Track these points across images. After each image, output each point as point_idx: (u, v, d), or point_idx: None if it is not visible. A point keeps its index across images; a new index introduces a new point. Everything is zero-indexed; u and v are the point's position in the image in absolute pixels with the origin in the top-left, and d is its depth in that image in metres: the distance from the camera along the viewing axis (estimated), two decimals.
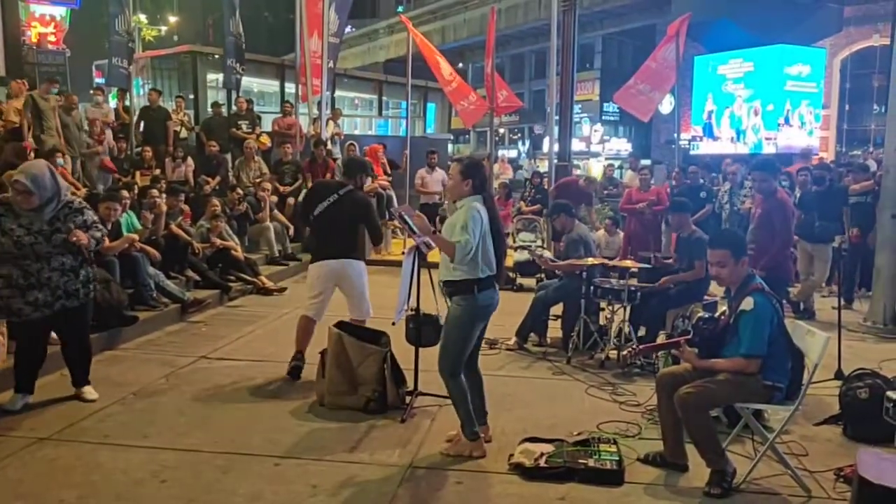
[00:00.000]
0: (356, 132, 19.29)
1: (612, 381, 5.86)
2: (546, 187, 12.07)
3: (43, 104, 10.93)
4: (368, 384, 5.11)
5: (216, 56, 16.44)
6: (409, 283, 5.13)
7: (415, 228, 5.11)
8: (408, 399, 5.12)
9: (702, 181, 10.73)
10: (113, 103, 13.98)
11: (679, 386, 3.96)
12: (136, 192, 9.07)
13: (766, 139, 23.32)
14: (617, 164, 20.28)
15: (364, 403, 5.07)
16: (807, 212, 8.59)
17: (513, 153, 42.30)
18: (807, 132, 24.01)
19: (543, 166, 20.85)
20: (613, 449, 4.26)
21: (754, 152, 22.39)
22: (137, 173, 10.95)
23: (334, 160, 12.11)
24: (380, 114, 21.83)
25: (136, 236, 7.49)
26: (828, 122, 27.70)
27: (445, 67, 13.23)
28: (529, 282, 9.62)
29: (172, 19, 42.66)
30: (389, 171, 12.91)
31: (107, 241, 6.97)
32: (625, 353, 6.18)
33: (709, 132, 24.85)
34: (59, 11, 21.54)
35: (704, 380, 3.92)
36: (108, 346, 6.53)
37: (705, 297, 6.46)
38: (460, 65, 43.81)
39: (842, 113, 29.10)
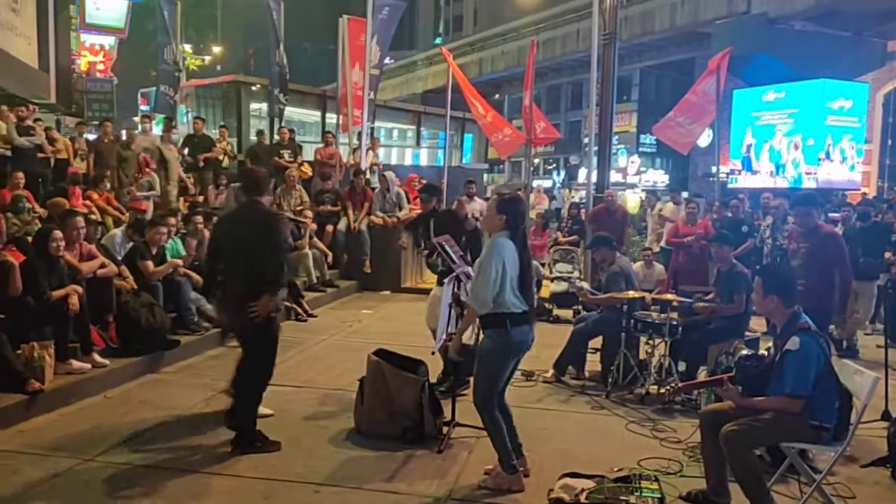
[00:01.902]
0: (392, 162, 19.49)
1: (653, 416, 5.78)
2: (583, 218, 12.06)
3: (168, 154, 11.26)
4: (406, 413, 5.11)
5: (259, 86, 16.80)
6: (448, 313, 5.15)
7: (455, 258, 5.16)
8: (445, 429, 5.11)
9: (742, 215, 10.63)
10: (157, 130, 14.32)
11: (723, 423, 3.91)
12: (179, 218, 9.24)
13: (807, 174, 23.04)
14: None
15: (401, 432, 5.07)
16: (851, 248, 8.44)
17: (547, 183, 42.31)
18: (848, 167, 23.67)
19: (579, 196, 20.84)
20: (655, 486, 4.20)
21: (794, 186, 22.12)
22: (181, 199, 11.17)
23: (372, 189, 12.24)
24: (417, 144, 22.06)
25: (180, 262, 7.63)
26: (870, 156, 27.31)
27: (479, 104, 13.49)
28: (566, 313, 9.57)
29: (216, 49, 43.68)
30: None
31: (151, 266, 7.18)
32: (663, 390, 6.10)
33: (748, 166, 24.61)
34: (109, 41, 22.21)
35: (750, 418, 3.86)
36: (151, 369, 6.64)
37: (746, 333, 6.38)
38: (497, 96, 44.12)
39: (884, 148, 28.71)
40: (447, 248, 5.17)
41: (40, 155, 10.53)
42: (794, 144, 23.27)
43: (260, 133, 14.02)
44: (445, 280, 5.09)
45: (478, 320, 4.39)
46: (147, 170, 10.74)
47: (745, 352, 4.40)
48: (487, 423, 4.33)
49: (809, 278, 5.75)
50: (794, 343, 3.89)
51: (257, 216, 4.85)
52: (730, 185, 23.51)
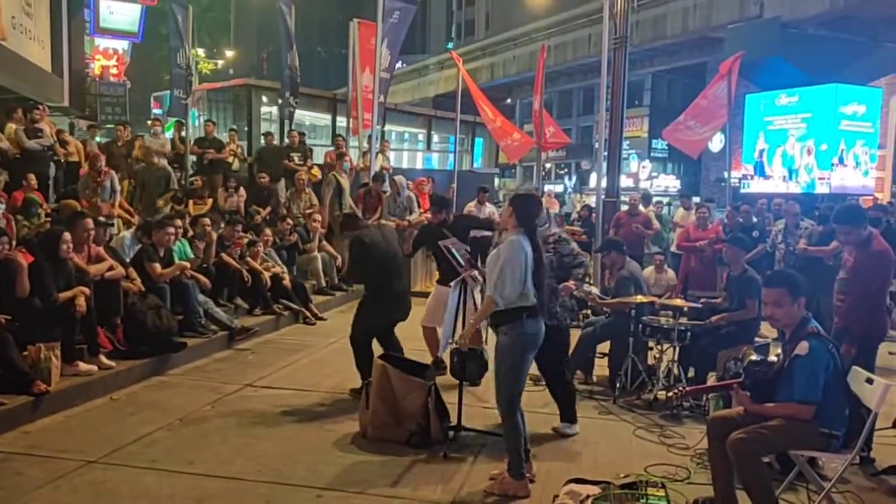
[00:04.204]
0: (403, 166, 19.47)
1: (661, 422, 5.72)
2: (594, 221, 11.99)
3: (343, 182, 11.38)
4: (412, 417, 5.08)
5: (270, 90, 16.84)
6: (454, 317, 5.11)
7: (461, 261, 5.13)
8: (451, 434, 5.07)
9: (755, 220, 10.54)
10: (169, 134, 14.36)
11: (731, 430, 3.84)
12: (188, 220, 9.25)
13: (820, 179, 22.87)
14: (665, 200, 20.06)
15: (407, 437, 5.04)
16: None
17: (559, 188, 42.23)
18: (862, 172, 23.48)
19: (590, 201, 20.77)
20: (662, 493, 4.14)
21: (807, 192, 21.96)
22: (191, 202, 11.17)
23: (383, 193, 12.21)
24: (428, 148, 22.05)
25: (187, 264, 7.63)
26: (883, 162, 27.03)
27: (488, 109, 13.53)
28: None
29: (229, 53, 43.89)
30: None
31: (158, 268, 7.19)
32: (671, 394, 6.06)
33: (760, 171, 24.46)
34: (122, 45, 22.34)
35: (758, 425, 3.80)
36: (157, 371, 6.63)
37: (756, 339, 6.31)
38: (508, 101, 44.09)
39: None
40: (454, 250, 5.14)
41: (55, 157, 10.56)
42: (807, 149, 23.10)
43: (267, 134, 14.01)
44: (452, 283, 5.06)
45: (490, 319, 4.38)
46: (106, 169, 10.05)
47: (754, 357, 4.32)
48: (507, 426, 4.30)
49: (853, 294, 5.14)
50: (803, 348, 3.83)
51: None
52: (742, 191, 23.37)
